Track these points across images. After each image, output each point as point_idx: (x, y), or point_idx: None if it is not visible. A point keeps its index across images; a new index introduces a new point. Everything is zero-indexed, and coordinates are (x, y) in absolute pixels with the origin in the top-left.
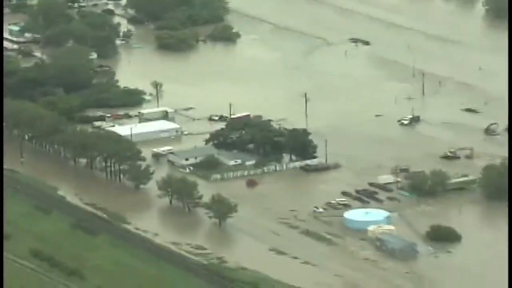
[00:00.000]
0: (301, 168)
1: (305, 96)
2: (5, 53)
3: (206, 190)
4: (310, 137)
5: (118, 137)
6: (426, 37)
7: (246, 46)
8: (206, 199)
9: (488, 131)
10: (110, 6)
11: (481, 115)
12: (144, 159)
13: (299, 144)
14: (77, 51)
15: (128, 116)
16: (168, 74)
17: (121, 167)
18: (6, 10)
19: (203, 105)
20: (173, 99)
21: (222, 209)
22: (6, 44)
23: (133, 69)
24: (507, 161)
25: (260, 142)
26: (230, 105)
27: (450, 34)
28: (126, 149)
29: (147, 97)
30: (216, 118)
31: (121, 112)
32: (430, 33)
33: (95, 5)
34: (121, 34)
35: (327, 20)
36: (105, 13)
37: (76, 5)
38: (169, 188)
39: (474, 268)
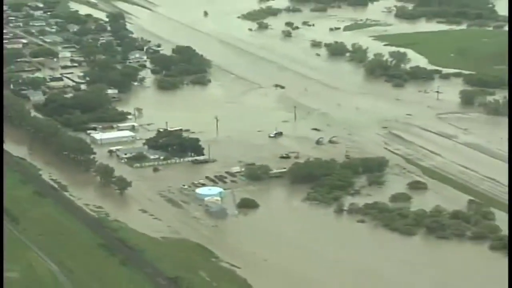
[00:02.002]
0: (192, 161)
1: (216, 118)
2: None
3: (125, 173)
4: (209, 142)
5: (82, 140)
6: (321, 85)
7: (211, 88)
8: None
9: (318, 142)
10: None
11: (322, 132)
12: (94, 154)
13: (194, 146)
14: (100, 88)
15: (112, 127)
16: (154, 103)
17: (80, 158)
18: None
19: (161, 122)
20: (147, 118)
21: (122, 184)
22: (68, 82)
23: (137, 100)
24: (312, 159)
25: (173, 145)
26: (166, 122)
27: (336, 83)
28: (85, 147)
29: (130, 117)
30: (162, 130)
31: (109, 125)
32: (325, 82)
33: (137, 61)
34: (138, 79)
35: (268, 73)
36: (141, 66)
37: (126, 61)
38: (99, 171)
39: (259, 224)
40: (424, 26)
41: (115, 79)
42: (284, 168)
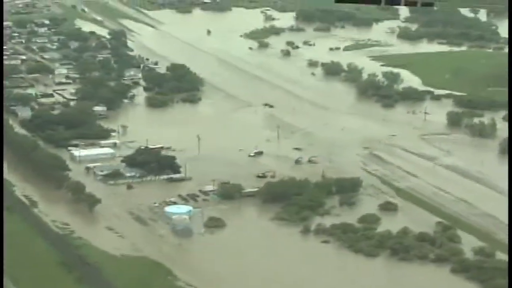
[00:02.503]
0: (167, 179)
1: (198, 136)
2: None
3: (99, 190)
4: (189, 160)
5: (58, 156)
6: (311, 104)
7: (201, 106)
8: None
9: (297, 162)
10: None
11: (303, 152)
12: (69, 170)
13: (170, 164)
14: (87, 105)
15: (94, 144)
16: (141, 121)
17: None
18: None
19: (144, 140)
20: (131, 135)
21: (91, 201)
22: (59, 99)
23: (124, 117)
24: (286, 178)
25: (150, 162)
26: (147, 140)
27: (326, 103)
28: (60, 164)
29: (114, 134)
30: (143, 147)
31: (92, 142)
32: (315, 102)
33: (131, 79)
34: (128, 96)
35: (260, 92)
36: (135, 84)
37: (121, 79)
38: (70, 187)
39: (223, 243)
40: (425, 47)
41: (105, 96)
42: (257, 188)
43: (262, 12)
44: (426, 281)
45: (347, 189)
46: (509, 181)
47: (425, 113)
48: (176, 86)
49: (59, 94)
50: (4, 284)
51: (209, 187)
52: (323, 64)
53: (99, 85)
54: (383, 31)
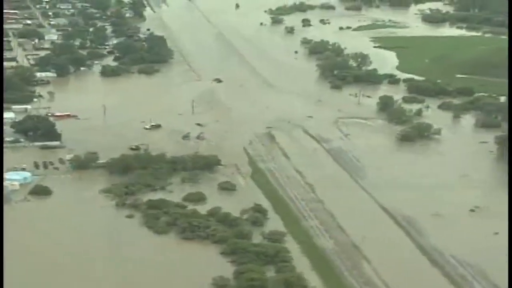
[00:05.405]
0: (41, 146)
1: (104, 106)
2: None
3: None
4: (82, 129)
5: None
6: (263, 82)
7: (152, 78)
8: None
9: (184, 137)
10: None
11: (202, 128)
12: None
13: (50, 131)
14: (30, 70)
15: (8, 109)
16: (77, 89)
17: None
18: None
19: (62, 107)
20: (53, 102)
21: None
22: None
23: (66, 84)
24: (148, 151)
25: (31, 129)
26: (49, 107)
27: (280, 81)
28: None
29: (36, 99)
30: (49, 114)
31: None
32: (270, 80)
33: (106, 49)
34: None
35: (226, 67)
36: (109, 53)
37: (101, 47)
38: None
39: (32, 211)
40: (440, 31)
41: (61, 63)
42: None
43: None
44: (185, 260)
45: (201, 166)
46: (509, 180)
47: (368, 96)
48: (143, 57)
49: (28, 59)
50: (4, 284)
51: (70, 156)
52: (314, 43)
53: (67, 52)
54: (413, 13)
